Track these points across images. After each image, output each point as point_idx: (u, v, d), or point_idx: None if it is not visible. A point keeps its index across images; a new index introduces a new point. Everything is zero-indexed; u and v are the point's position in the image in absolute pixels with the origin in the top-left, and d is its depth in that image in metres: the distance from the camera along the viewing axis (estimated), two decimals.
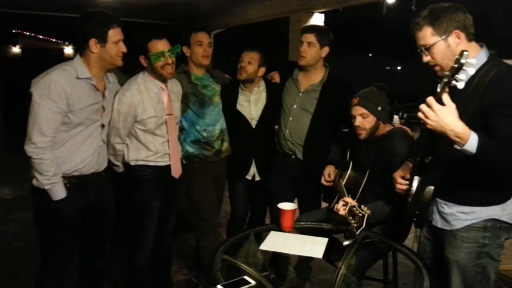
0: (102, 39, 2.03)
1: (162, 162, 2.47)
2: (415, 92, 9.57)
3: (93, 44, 2.02)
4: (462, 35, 1.68)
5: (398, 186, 1.91)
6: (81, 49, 2.07)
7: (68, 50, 23.70)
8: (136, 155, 2.42)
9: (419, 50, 1.76)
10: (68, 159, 2.07)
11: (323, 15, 6.37)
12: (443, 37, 1.68)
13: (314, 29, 2.76)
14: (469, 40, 1.70)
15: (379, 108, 2.29)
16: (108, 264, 2.42)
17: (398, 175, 1.93)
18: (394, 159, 2.21)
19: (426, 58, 1.74)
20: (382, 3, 5.31)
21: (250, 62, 2.75)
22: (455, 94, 1.48)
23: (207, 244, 2.85)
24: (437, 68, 1.74)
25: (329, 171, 2.57)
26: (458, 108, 1.48)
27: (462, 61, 1.41)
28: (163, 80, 2.41)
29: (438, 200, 1.82)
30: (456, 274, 1.77)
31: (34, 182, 2.02)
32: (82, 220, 2.19)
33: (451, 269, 1.79)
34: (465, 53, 1.41)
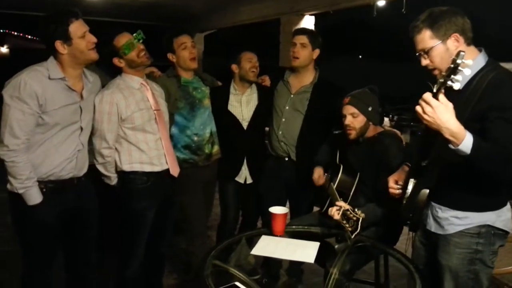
0: (66, 38, 1.95)
1: (158, 166, 2.36)
2: (405, 94, 9.65)
3: (59, 45, 1.96)
4: (461, 39, 1.67)
5: (391, 190, 1.91)
6: (52, 52, 2.01)
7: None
8: (130, 159, 2.29)
9: (417, 54, 1.75)
10: (44, 162, 2.00)
11: (313, 17, 6.40)
12: (442, 40, 1.67)
13: (307, 31, 2.81)
14: (468, 44, 1.69)
15: (370, 109, 2.30)
16: (95, 272, 2.35)
17: (391, 179, 1.92)
18: (384, 162, 2.21)
19: (425, 62, 1.73)
20: (372, 6, 5.34)
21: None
22: (452, 96, 1.47)
23: (194, 250, 2.83)
24: (436, 72, 1.72)
25: (319, 173, 2.57)
26: (455, 110, 1.48)
27: (458, 61, 1.41)
28: (142, 75, 2.35)
29: (433, 203, 1.81)
30: (449, 280, 1.76)
31: (8, 186, 1.96)
32: (63, 227, 2.11)
33: (444, 274, 1.77)
34: (462, 53, 1.41)
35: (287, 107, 2.78)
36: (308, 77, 2.78)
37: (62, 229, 2.12)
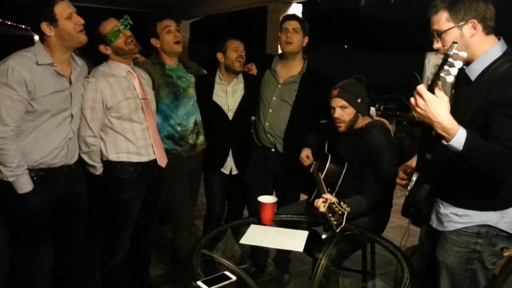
0: (52, 19, 1.90)
1: (145, 156, 2.32)
2: (391, 84, 9.71)
3: (45, 27, 1.90)
4: (479, 27, 1.57)
5: (398, 180, 1.88)
6: (39, 35, 1.94)
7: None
8: (116, 149, 2.25)
9: (431, 34, 1.65)
10: (34, 150, 1.96)
11: (301, 5, 6.34)
12: (459, 24, 1.57)
13: (297, 17, 2.77)
14: (487, 33, 1.59)
15: (359, 100, 2.28)
16: (85, 261, 2.33)
17: (401, 169, 1.89)
18: (372, 153, 2.21)
19: (437, 45, 1.64)
20: None
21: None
22: (464, 89, 1.43)
23: (181, 241, 2.81)
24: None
25: (307, 153, 2.56)
26: (464, 103, 1.43)
27: (449, 52, 1.36)
28: (129, 62, 2.30)
29: (437, 199, 1.75)
30: (445, 277, 1.73)
31: None
32: (53, 216, 2.09)
33: (440, 270, 1.74)
34: (453, 44, 1.37)
35: (274, 98, 2.73)
36: (296, 67, 2.74)
37: (52, 217, 2.09)
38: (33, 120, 1.94)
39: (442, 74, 1.39)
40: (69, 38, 1.96)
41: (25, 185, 1.93)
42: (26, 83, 1.86)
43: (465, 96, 1.47)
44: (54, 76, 1.98)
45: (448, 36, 1.59)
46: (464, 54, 1.37)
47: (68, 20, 1.93)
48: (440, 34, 1.62)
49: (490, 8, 1.58)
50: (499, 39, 1.62)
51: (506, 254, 2.24)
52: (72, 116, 2.08)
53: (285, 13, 5.80)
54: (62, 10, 1.92)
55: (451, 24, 1.58)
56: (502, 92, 1.48)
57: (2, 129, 1.86)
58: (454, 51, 1.36)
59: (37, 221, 2.03)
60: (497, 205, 1.62)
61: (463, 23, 1.57)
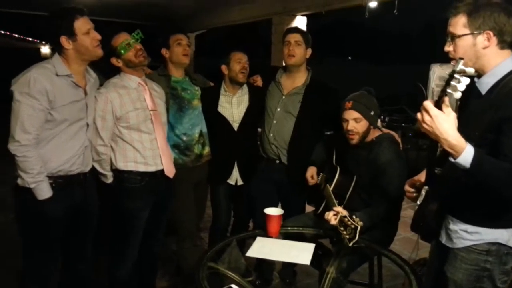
0: (71, 34, 2.00)
1: (153, 166, 2.36)
2: (395, 96, 9.69)
3: (64, 41, 2.01)
4: (494, 40, 1.52)
5: (407, 194, 1.85)
6: (57, 48, 2.05)
7: (45, 49, 23.19)
8: (124, 158, 2.31)
9: (446, 35, 1.60)
10: (53, 157, 2.04)
11: (305, 18, 6.39)
12: (474, 33, 1.52)
13: (299, 30, 2.80)
14: (501, 47, 1.53)
15: (372, 113, 2.27)
16: (91, 269, 2.34)
17: (408, 183, 1.85)
18: (382, 166, 2.19)
19: (448, 48, 1.60)
20: (364, 7, 5.35)
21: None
22: (475, 103, 1.38)
23: (183, 252, 2.81)
24: (454, 62, 1.53)
25: (312, 173, 2.55)
26: (474, 118, 1.39)
27: (455, 68, 1.32)
28: (141, 75, 2.38)
29: (446, 214, 1.70)
30: None
31: (19, 181, 1.99)
32: (67, 222, 2.14)
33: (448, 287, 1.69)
34: (460, 60, 1.33)
35: (278, 109, 2.74)
36: (300, 78, 2.75)
37: (66, 224, 2.13)
38: (52, 129, 2.02)
39: (449, 90, 1.35)
40: (86, 52, 2.05)
41: (44, 191, 1.99)
42: (47, 93, 1.95)
43: (475, 110, 1.44)
44: (72, 86, 2.07)
45: (461, 42, 1.55)
46: (471, 70, 1.32)
47: (86, 35, 2.03)
48: (453, 37, 1.57)
49: (511, 24, 1.52)
50: (511, 52, 1.57)
51: None
52: (87, 125, 2.17)
53: (290, 25, 5.86)
54: (81, 25, 2.02)
55: (467, 31, 1.53)
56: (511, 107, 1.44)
57: (25, 136, 1.93)
58: (461, 67, 1.32)
59: (53, 227, 2.08)
60: (508, 223, 1.57)
61: (478, 32, 1.52)
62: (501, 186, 1.41)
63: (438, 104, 1.38)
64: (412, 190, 1.81)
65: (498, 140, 1.46)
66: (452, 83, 1.33)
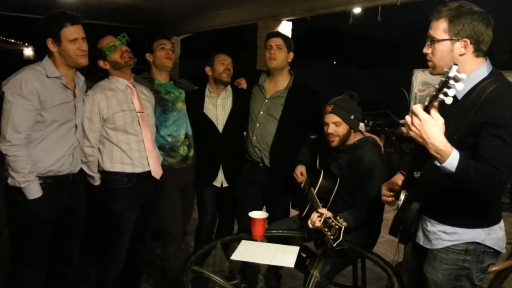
0: (57, 39, 2.04)
1: (139, 167, 2.37)
2: (379, 100, 9.80)
3: (50, 43, 2.05)
4: (470, 48, 1.56)
5: (383, 198, 1.87)
6: (46, 50, 2.09)
7: (28, 51, 22.86)
8: (111, 159, 2.32)
9: (426, 36, 1.64)
10: (44, 158, 2.06)
11: (290, 22, 6.44)
12: (452, 39, 1.56)
13: (281, 34, 2.84)
14: (476, 56, 1.58)
15: (352, 117, 2.31)
16: (77, 272, 2.33)
17: (384, 187, 1.88)
18: (364, 169, 2.23)
19: (426, 50, 1.64)
20: (348, 12, 5.42)
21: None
22: (451, 108, 1.42)
23: (168, 256, 2.82)
24: (430, 64, 1.65)
25: (301, 170, 2.58)
26: (452, 123, 1.43)
27: (450, 74, 1.33)
28: (129, 77, 2.40)
29: (424, 216, 1.75)
30: None
31: (10, 180, 2.01)
32: (55, 224, 2.14)
33: None
34: (454, 66, 1.33)
35: (261, 112, 2.77)
36: (283, 82, 2.78)
37: (54, 226, 2.14)
38: (42, 130, 2.05)
39: (441, 96, 1.36)
40: (69, 58, 2.08)
41: (35, 191, 2.01)
42: (38, 93, 1.98)
43: (452, 115, 1.47)
44: (61, 88, 2.11)
45: (439, 46, 1.59)
46: (463, 75, 1.32)
47: (71, 43, 2.06)
48: (433, 41, 1.61)
49: (488, 34, 1.57)
50: (485, 59, 1.62)
51: (492, 269, 2.28)
52: (76, 126, 2.20)
53: (275, 30, 5.90)
54: (69, 33, 2.05)
55: (446, 36, 1.57)
56: (492, 113, 1.48)
57: (16, 136, 1.96)
58: (455, 73, 1.33)
59: (43, 227, 2.09)
60: (484, 223, 1.63)
61: (456, 38, 1.56)
62: (483, 188, 1.46)
63: (427, 109, 1.40)
64: (390, 194, 1.84)
65: (477, 144, 1.50)
66: (445, 89, 1.35)
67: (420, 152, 1.57)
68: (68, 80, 2.13)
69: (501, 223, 1.68)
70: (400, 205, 1.72)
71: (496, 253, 1.67)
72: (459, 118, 1.53)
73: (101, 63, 2.34)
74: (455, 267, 1.66)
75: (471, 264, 1.65)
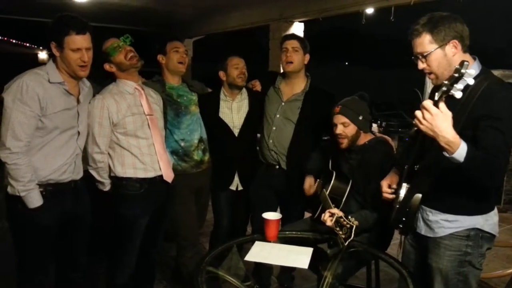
0: (59, 44, 1.98)
1: (151, 171, 2.33)
2: (392, 101, 9.74)
3: (53, 47, 1.99)
4: (459, 46, 1.69)
5: (384, 194, 1.92)
6: (52, 54, 2.04)
7: (43, 55, 23.14)
8: (123, 164, 2.28)
9: (413, 57, 1.76)
10: (44, 165, 2.01)
11: (302, 24, 6.44)
12: (441, 45, 1.68)
13: (296, 36, 2.82)
14: (464, 51, 1.71)
15: (360, 118, 2.30)
16: (85, 277, 2.32)
17: (384, 183, 1.94)
18: (375, 169, 2.22)
19: (422, 65, 1.74)
20: (361, 13, 5.40)
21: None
22: (448, 104, 1.50)
23: (184, 261, 2.79)
24: (432, 76, 1.75)
25: (310, 183, 2.57)
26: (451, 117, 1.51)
27: (463, 71, 1.43)
28: (137, 80, 2.34)
29: (423, 207, 1.83)
30: (439, 282, 1.79)
31: (9, 189, 1.96)
32: (59, 230, 2.11)
33: (434, 276, 1.81)
34: (466, 63, 1.43)
35: (278, 115, 2.75)
36: (299, 85, 2.76)
37: (58, 232, 2.10)
38: (43, 137, 1.99)
39: (452, 91, 1.45)
40: (69, 66, 2.01)
41: (35, 199, 1.96)
42: (39, 99, 1.92)
43: (450, 111, 1.54)
44: (64, 94, 2.04)
45: (432, 56, 1.70)
46: (472, 71, 1.43)
47: (73, 52, 1.98)
48: (425, 56, 1.71)
49: (466, 28, 1.71)
50: (474, 58, 1.74)
51: (508, 271, 2.35)
52: (79, 133, 2.14)
53: (287, 32, 5.90)
54: (71, 42, 1.97)
55: (435, 46, 1.69)
56: (488, 106, 1.60)
57: (16, 144, 1.90)
58: (467, 70, 1.43)
59: (46, 235, 2.05)
60: (483, 209, 1.76)
61: (444, 43, 1.68)
62: (487, 176, 1.58)
63: (436, 104, 1.48)
64: (390, 190, 1.90)
65: (476, 135, 1.61)
66: (455, 85, 1.44)
67: (419, 147, 1.69)
68: (71, 85, 2.07)
69: (495, 210, 1.81)
70: (402, 198, 1.79)
71: (492, 237, 1.79)
72: (457, 113, 1.60)
73: (106, 66, 2.28)
74: (459, 253, 1.76)
75: (472, 249, 1.75)
